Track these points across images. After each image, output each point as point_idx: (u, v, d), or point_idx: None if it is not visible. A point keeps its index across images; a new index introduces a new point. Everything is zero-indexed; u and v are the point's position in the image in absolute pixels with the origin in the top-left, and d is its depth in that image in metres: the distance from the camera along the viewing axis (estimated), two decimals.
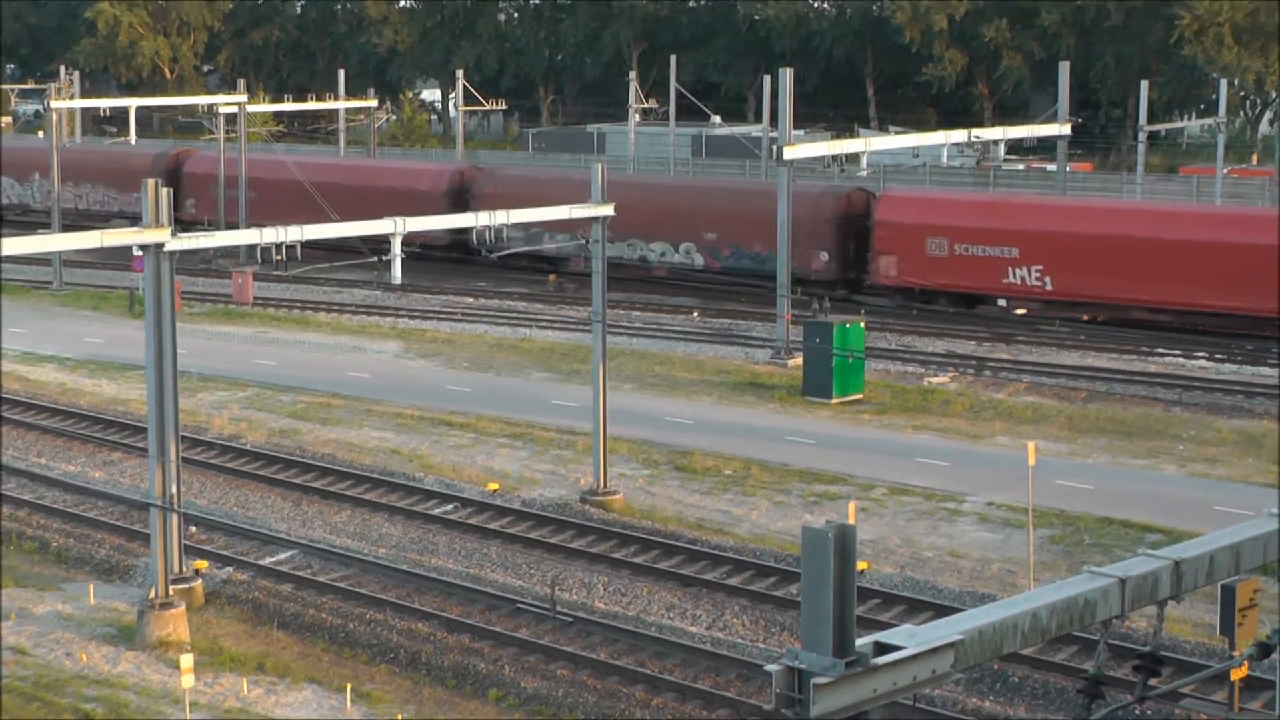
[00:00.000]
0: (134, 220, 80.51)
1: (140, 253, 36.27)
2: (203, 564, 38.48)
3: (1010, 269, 66.46)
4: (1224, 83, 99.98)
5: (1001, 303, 67.27)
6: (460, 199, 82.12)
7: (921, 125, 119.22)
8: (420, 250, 77.67)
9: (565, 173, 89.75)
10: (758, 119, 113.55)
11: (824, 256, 70.83)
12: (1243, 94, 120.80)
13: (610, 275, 67.45)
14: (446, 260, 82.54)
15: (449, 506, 42.99)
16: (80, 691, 32.47)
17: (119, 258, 76.41)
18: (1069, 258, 65.01)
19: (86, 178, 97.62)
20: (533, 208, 73.41)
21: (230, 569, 38.96)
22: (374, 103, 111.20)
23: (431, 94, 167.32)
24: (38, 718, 31.29)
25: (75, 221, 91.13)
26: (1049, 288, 65.72)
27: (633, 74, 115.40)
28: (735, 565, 38.09)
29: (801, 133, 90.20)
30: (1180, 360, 59.88)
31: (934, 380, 57.38)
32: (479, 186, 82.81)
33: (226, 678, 33.08)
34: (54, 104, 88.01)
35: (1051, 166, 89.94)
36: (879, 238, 69.47)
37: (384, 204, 75.88)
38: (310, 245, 42.78)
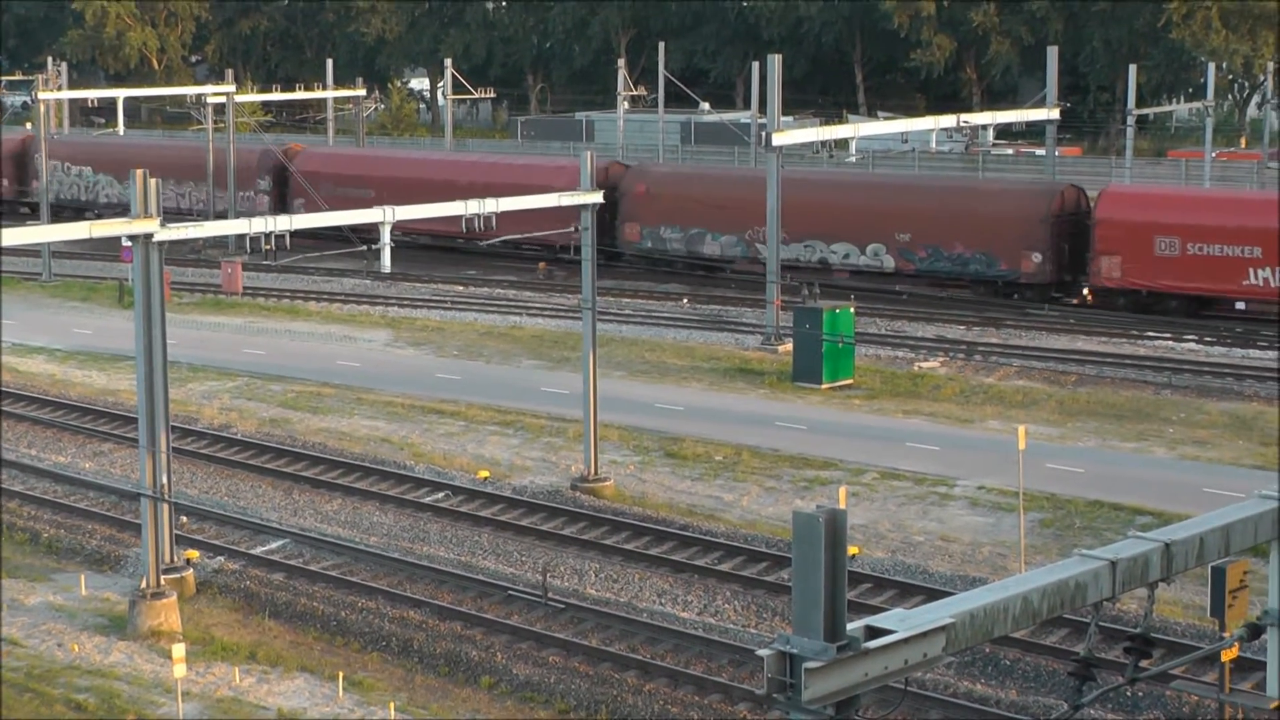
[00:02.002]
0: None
1: (129, 243, 36.23)
2: (194, 554, 38.46)
3: (1251, 270, 61.74)
4: (1212, 66, 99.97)
5: (1240, 305, 63.32)
6: (605, 198, 78.45)
7: (910, 111, 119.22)
8: (556, 255, 75.32)
9: (727, 171, 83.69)
10: (746, 105, 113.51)
11: (1036, 258, 66.14)
12: (1231, 77, 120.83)
13: (786, 281, 67.18)
14: (452, 250, 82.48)
15: (440, 494, 43.00)
16: (72, 682, 32.47)
17: (108, 249, 76.30)
18: None
19: (188, 176, 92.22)
20: (694, 207, 71.97)
21: (221, 558, 38.96)
22: (362, 92, 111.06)
23: (420, 83, 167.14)
24: (30, 709, 31.28)
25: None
26: None
27: (621, 61, 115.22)
28: (726, 551, 38.13)
29: (790, 119, 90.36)
30: (1170, 343, 59.94)
31: (924, 365, 57.41)
32: (627, 184, 77.01)
33: (218, 667, 33.08)
34: (42, 95, 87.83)
35: (1040, 151, 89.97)
36: (1100, 237, 64.49)
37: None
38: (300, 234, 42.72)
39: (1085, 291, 65.99)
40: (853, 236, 70.52)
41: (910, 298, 68.38)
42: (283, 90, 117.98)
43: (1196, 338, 60.18)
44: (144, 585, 35.44)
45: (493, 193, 77.08)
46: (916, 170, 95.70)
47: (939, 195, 71.56)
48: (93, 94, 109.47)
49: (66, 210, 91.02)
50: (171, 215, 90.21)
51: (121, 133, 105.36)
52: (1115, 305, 64.72)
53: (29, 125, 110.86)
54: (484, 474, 44.43)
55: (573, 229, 73.31)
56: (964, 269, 67.82)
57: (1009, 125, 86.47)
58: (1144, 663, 12.24)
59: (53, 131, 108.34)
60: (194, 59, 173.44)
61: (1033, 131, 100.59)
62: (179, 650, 29.33)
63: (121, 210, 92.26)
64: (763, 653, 10.21)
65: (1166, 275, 63.51)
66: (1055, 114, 75.22)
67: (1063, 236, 66.58)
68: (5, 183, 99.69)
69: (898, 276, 70.00)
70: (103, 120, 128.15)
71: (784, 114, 62.49)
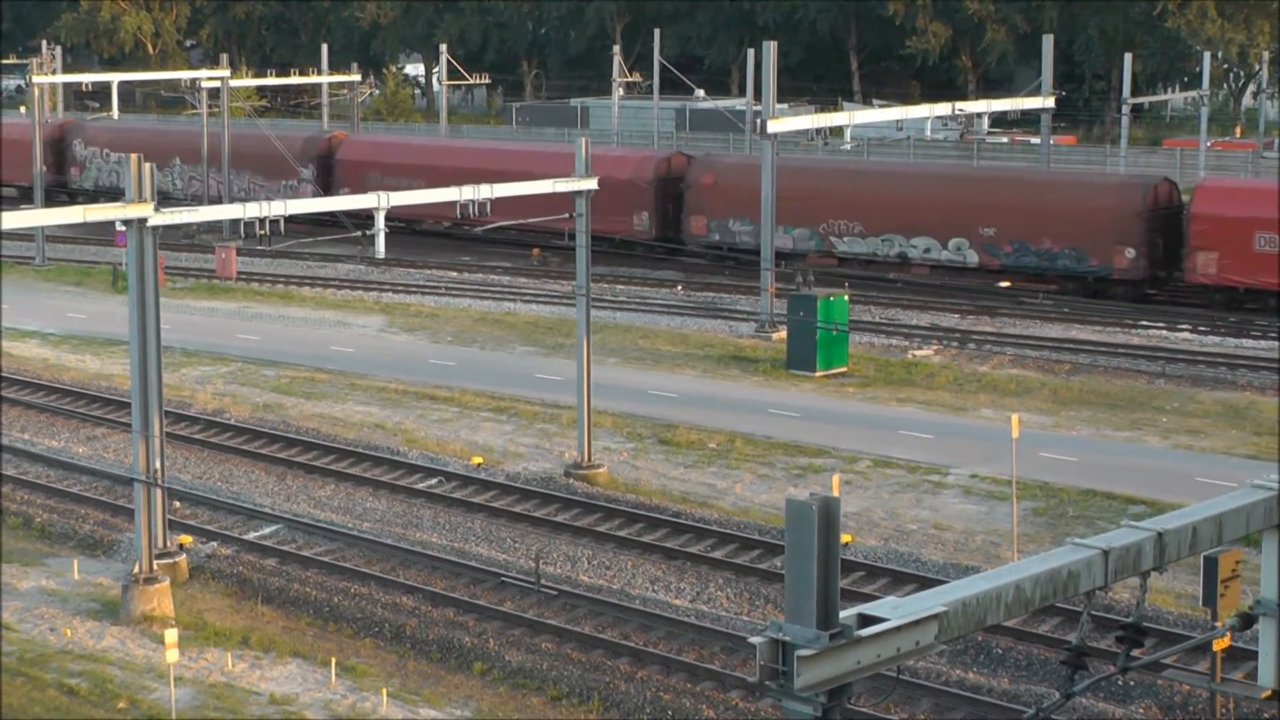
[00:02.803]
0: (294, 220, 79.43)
1: (123, 228, 36.20)
2: (187, 539, 38.45)
3: None
4: (1207, 55, 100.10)
5: None
6: (668, 189, 75.16)
7: (905, 98, 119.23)
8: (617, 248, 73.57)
9: (801, 161, 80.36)
10: (741, 93, 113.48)
11: (1130, 253, 63.78)
12: (1226, 66, 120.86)
13: (863, 275, 66.85)
14: (442, 235, 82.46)
15: (433, 481, 43.00)
16: (65, 667, 32.47)
17: (102, 233, 76.23)
18: None
19: (232, 164, 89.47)
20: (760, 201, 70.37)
21: (214, 544, 38.96)
22: (357, 77, 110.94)
23: (415, 68, 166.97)
24: (22, 693, 31.27)
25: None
26: None
27: (616, 48, 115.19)
28: (719, 538, 38.14)
29: (785, 106, 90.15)
30: (1164, 332, 59.97)
31: (918, 353, 57.43)
32: (693, 175, 74.77)
33: (211, 652, 33.08)
34: (36, 79, 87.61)
35: (1035, 139, 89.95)
36: (1196, 232, 62.39)
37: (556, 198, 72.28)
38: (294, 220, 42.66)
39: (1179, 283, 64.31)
40: (934, 230, 68.09)
41: (904, 285, 68.33)
42: (277, 75, 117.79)
43: (1190, 327, 60.21)
44: (137, 570, 35.44)
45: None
46: (989, 162, 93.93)
47: (1027, 188, 69.19)
48: (87, 78, 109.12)
49: (104, 198, 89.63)
50: (216, 203, 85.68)
51: (116, 117, 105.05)
52: (1211, 302, 63.04)
53: (23, 110, 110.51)
54: (477, 460, 44.42)
55: (632, 218, 72.79)
56: (1052, 264, 65.67)
57: (1004, 114, 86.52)
58: (1136, 652, 12.25)
59: (94, 117, 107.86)
60: (188, 43, 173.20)
61: (1028, 120, 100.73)
62: (171, 635, 29.34)
63: (162, 199, 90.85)
64: (755, 640, 10.22)
65: (1265, 272, 61.33)
66: (1050, 102, 75.25)
67: (1156, 231, 64.41)
68: (44, 169, 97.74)
69: (981, 272, 67.81)
70: (97, 105, 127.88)
71: (779, 101, 62.41)
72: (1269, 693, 13.08)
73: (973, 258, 67.49)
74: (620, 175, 73.65)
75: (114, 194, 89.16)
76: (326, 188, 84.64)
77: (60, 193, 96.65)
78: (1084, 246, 64.88)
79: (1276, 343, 56.69)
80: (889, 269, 68.57)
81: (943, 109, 73.00)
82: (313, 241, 64.49)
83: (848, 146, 75.86)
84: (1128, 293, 64.57)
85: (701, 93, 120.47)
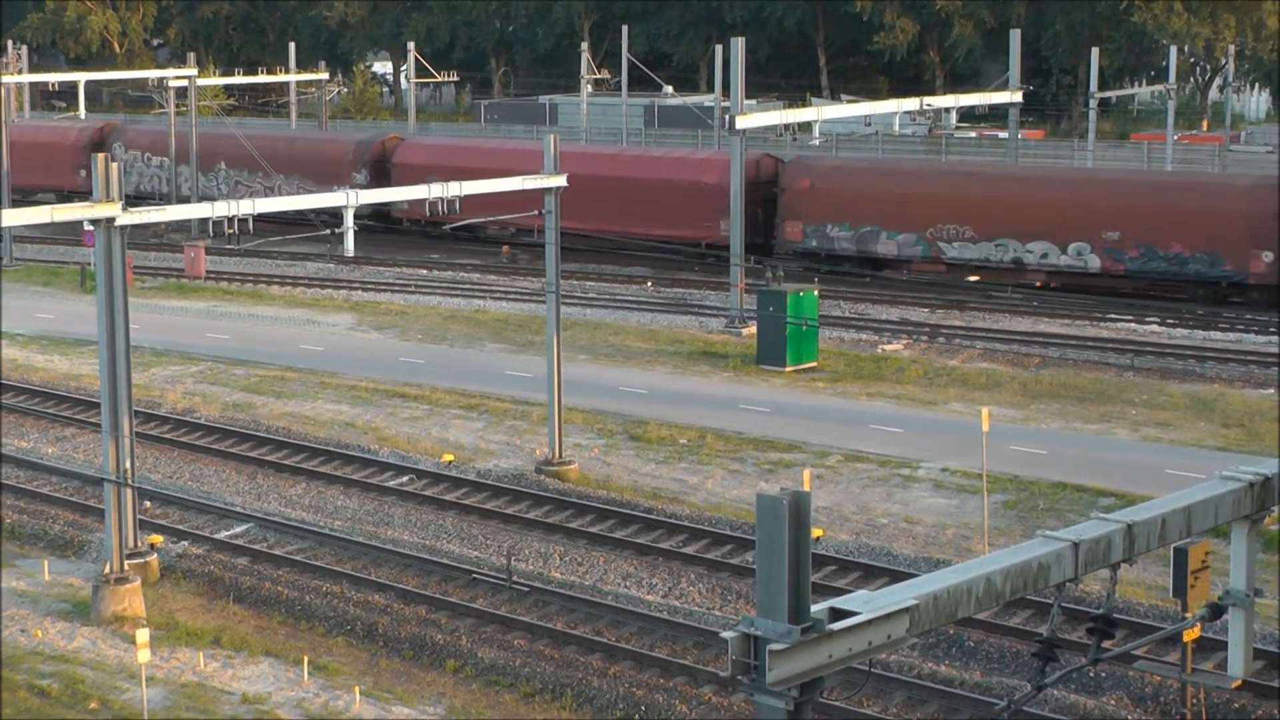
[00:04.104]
0: (334, 217, 77.48)
1: (91, 227, 36.10)
2: (158, 538, 38.36)
3: None
4: (1174, 49, 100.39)
5: None
6: (757, 193, 71.12)
7: (873, 94, 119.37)
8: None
9: (905, 163, 79.26)
10: (710, 89, 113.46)
11: (1267, 257, 61.07)
12: (1193, 60, 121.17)
13: (980, 283, 65.22)
14: (409, 233, 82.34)
15: (404, 478, 42.96)
16: (36, 667, 32.37)
17: (70, 233, 76.00)
18: None
19: (280, 168, 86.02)
20: (867, 203, 67.91)
21: (185, 543, 38.87)
22: (325, 75, 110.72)
23: (383, 66, 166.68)
24: None
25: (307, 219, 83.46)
26: None
27: (584, 45, 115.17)
28: (691, 534, 38.18)
29: (754, 102, 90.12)
30: (1132, 325, 60.17)
31: (888, 347, 57.53)
32: (788, 179, 71.76)
33: (183, 652, 33.02)
34: (2, 79, 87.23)
35: (1003, 134, 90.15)
36: None
37: (661, 203, 69.15)
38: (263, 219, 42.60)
39: None
40: (1052, 234, 65.24)
41: (872, 280, 68.41)
42: (245, 74, 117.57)
43: (1159, 320, 60.39)
44: (107, 570, 35.35)
45: (627, 188, 73.26)
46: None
47: (1157, 190, 66.52)
48: (53, 77, 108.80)
49: (145, 203, 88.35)
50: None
51: (83, 117, 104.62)
52: None
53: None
54: (448, 457, 44.40)
55: (719, 224, 69.41)
56: (1181, 269, 63.06)
57: (972, 108, 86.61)
58: (1106, 643, 12.32)
59: (62, 115, 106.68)
60: (156, 42, 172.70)
61: (995, 114, 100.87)
62: (143, 635, 29.26)
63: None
64: (727, 635, 10.25)
65: None
66: (1018, 97, 75.44)
67: None
68: (83, 174, 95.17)
69: (1104, 277, 64.79)
70: (64, 104, 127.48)
71: (747, 97, 62.41)
72: (1239, 682, 13.17)
73: (1095, 263, 64.74)
74: (706, 179, 72.28)
75: (154, 198, 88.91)
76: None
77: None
78: (1217, 250, 62.21)
79: (1276, 338, 56.89)
80: (1002, 275, 65.87)
81: (911, 104, 73.11)
82: (281, 240, 64.41)
83: (816, 142, 75.67)
84: (1263, 298, 61.69)
85: (670, 89, 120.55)
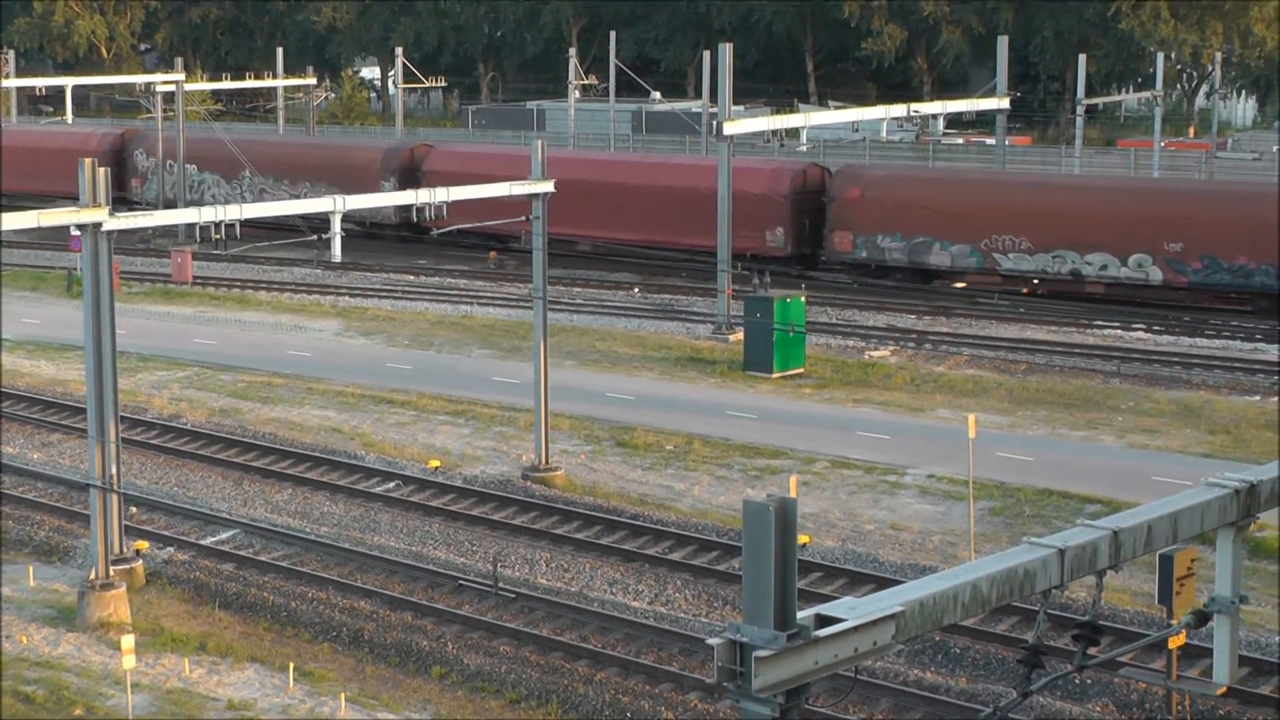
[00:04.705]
0: (363, 226, 76.33)
1: (78, 232, 36.05)
2: (143, 544, 38.31)
3: None
4: (1161, 56, 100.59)
5: None
6: (805, 203, 70.53)
7: (861, 100, 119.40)
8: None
9: (959, 173, 77.12)
10: (698, 95, 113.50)
11: None
12: (1179, 67, 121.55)
13: (1035, 293, 64.11)
14: (398, 239, 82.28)
15: (391, 484, 42.92)
16: (20, 674, 32.30)
17: (57, 238, 75.90)
18: None
19: (305, 175, 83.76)
20: (920, 213, 66.06)
21: (171, 549, 38.81)
22: (313, 80, 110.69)
23: (371, 72, 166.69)
24: None
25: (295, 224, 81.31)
26: None
27: (572, 50, 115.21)
28: (677, 540, 38.16)
29: (741, 108, 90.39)
30: (1119, 332, 60.23)
31: (875, 354, 57.56)
32: (837, 189, 69.84)
33: (168, 658, 32.96)
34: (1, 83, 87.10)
35: (991, 140, 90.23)
36: None
37: (704, 213, 66.57)
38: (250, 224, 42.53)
39: None
40: (1112, 246, 63.45)
41: (858, 286, 68.45)
42: (233, 79, 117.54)
43: (1145, 326, 60.46)
44: (93, 576, 35.29)
45: (679, 197, 71.65)
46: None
47: (1221, 200, 64.48)
48: (40, 82, 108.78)
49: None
50: (291, 217, 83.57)
51: (70, 122, 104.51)
52: None
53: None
54: (435, 463, 44.38)
55: (764, 234, 67.57)
56: (1247, 282, 61.19)
57: (959, 115, 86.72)
58: (1092, 650, 12.31)
59: (48, 120, 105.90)
60: (143, 47, 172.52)
61: (983, 121, 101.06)
62: (128, 641, 29.22)
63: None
64: (713, 641, 10.23)
65: None
66: (1005, 103, 75.53)
67: None
68: None
69: (1166, 290, 63.12)
70: (50, 109, 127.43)
71: (735, 103, 62.48)
72: (1224, 689, 13.16)
73: (1156, 275, 62.87)
74: (752, 189, 69.86)
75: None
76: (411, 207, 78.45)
77: (119, 206, 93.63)
78: None
79: (1276, 346, 56.99)
80: (1060, 287, 64.34)
81: (898, 110, 73.12)
82: (268, 245, 64.27)
83: (804, 148, 75.61)
84: None
85: (658, 95, 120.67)
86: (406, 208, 69.73)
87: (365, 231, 79.72)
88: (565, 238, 70.88)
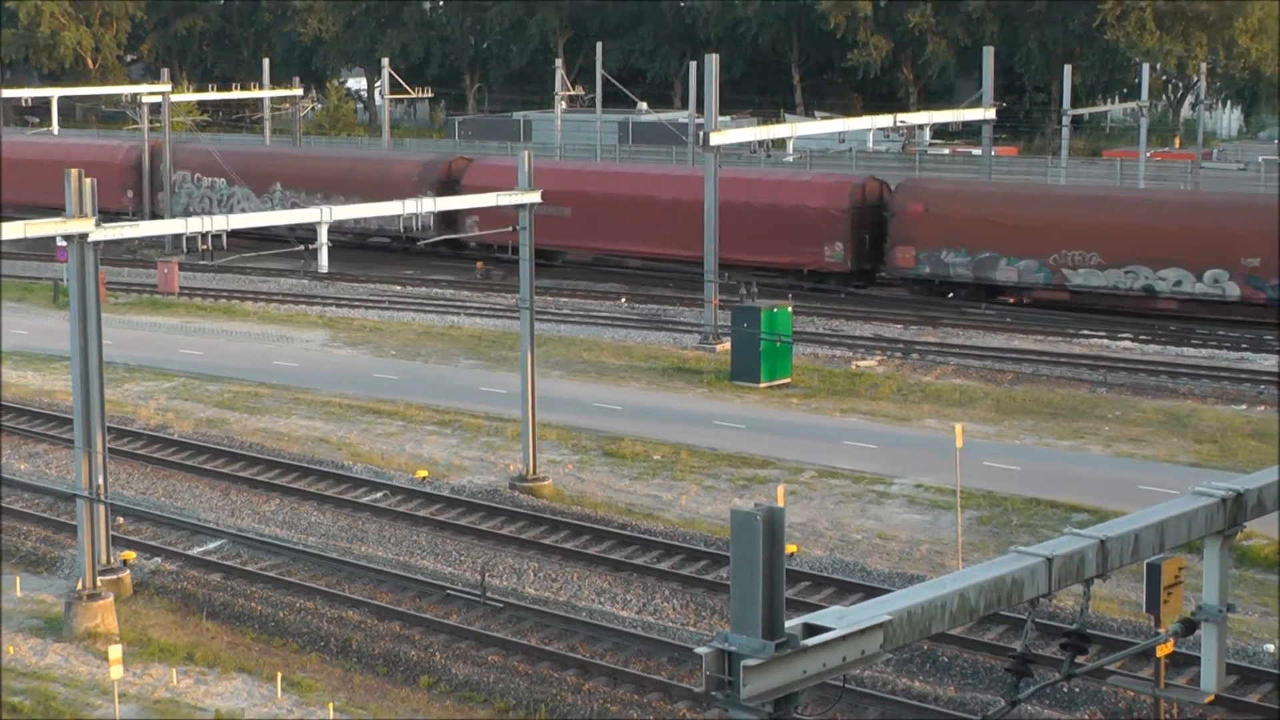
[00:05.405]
0: (397, 240, 75.46)
1: (64, 243, 36.02)
2: (130, 555, 38.27)
3: None
4: (1146, 67, 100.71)
5: None
6: (864, 217, 69.20)
7: (847, 110, 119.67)
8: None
9: (1026, 187, 75.65)
10: (684, 105, 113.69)
11: None
12: (1165, 78, 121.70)
13: (1105, 307, 62.55)
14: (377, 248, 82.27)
15: (378, 494, 42.90)
16: (7, 684, 32.25)
17: (43, 248, 75.79)
18: None
19: (338, 189, 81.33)
20: (986, 228, 64.77)
21: (158, 559, 38.77)
22: (299, 91, 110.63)
23: (357, 82, 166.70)
24: None
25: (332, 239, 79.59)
26: None
27: (559, 61, 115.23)
28: (665, 549, 38.17)
29: (728, 119, 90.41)
30: (1105, 341, 60.29)
31: (862, 364, 57.59)
32: (899, 203, 68.28)
33: (156, 668, 32.93)
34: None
35: (976, 151, 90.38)
36: None
37: (760, 228, 66.86)
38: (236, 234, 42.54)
39: None
40: (1186, 260, 61.92)
41: (846, 296, 68.50)
42: (219, 90, 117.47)
43: (1131, 336, 60.52)
44: (80, 587, 35.25)
45: (738, 213, 68.80)
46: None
47: None
48: (26, 93, 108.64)
49: None
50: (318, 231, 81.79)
51: (56, 133, 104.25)
52: None
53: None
54: (422, 474, 44.35)
55: (823, 249, 66.14)
56: None
57: (945, 125, 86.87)
58: (1080, 658, 12.33)
59: (35, 131, 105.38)
60: (129, 58, 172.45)
61: (969, 131, 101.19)
62: (115, 652, 29.18)
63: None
64: (701, 651, 10.24)
65: None
66: (991, 114, 75.58)
67: None
68: (129, 194, 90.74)
69: (1243, 306, 61.65)
70: (36, 120, 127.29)
71: (721, 114, 62.49)
72: (1211, 698, 13.20)
73: (1233, 291, 61.36)
74: (810, 203, 69.40)
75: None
76: (449, 217, 74.36)
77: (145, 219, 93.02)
78: None
79: (1248, 354, 57.04)
80: (1132, 304, 63.10)
81: (884, 121, 73.12)
82: (255, 256, 64.27)
83: (790, 159, 75.60)
84: None
85: (644, 106, 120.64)
86: (449, 219, 68.53)
87: (357, 243, 79.69)
88: (613, 253, 71.26)
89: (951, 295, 66.69)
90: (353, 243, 79.18)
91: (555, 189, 74.95)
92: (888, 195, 69.88)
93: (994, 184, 75.82)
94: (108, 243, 37.50)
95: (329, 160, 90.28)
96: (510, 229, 44.62)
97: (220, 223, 40.77)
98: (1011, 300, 66.44)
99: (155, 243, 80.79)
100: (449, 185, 78.90)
